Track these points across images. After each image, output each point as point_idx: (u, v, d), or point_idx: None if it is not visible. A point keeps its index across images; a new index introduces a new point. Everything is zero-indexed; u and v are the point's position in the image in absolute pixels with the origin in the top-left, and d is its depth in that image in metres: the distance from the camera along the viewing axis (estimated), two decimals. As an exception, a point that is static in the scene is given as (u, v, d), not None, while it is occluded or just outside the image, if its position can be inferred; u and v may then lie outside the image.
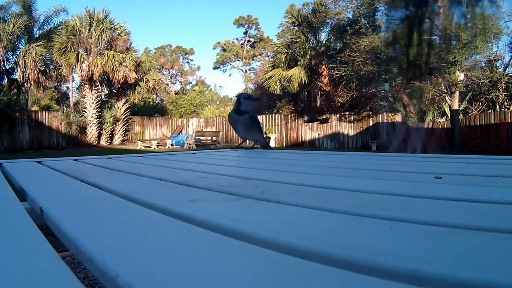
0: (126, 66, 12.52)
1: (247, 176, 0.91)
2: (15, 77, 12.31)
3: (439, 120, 11.72)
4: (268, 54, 25.74)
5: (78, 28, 12.32)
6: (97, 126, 13.01)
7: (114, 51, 12.62)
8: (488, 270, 0.26)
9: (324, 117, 12.82)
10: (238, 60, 30.86)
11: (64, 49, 11.94)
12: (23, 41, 12.40)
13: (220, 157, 1.70)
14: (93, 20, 12.44)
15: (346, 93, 13.17)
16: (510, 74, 10.81)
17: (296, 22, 13.47)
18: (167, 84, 28.66)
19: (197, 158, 1.64)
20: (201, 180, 0.78)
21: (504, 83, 10.60)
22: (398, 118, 11.50)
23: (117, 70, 12.36)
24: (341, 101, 13.52)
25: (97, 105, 13.04)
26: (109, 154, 1.58)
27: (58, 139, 12.33)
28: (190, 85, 31.23)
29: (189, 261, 0.28)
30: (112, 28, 12.89)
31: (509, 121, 9.34)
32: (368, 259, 0.28)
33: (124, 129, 14.17)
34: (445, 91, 10.12)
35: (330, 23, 13.42)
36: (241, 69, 31.25)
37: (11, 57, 12.24)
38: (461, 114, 10.59)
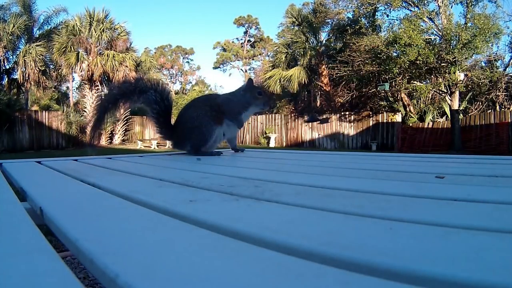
0: (126, 66, 12.51)
1: (247, 176, 0.91)
2: (15, 77, 12.32)
3: (439, 120, 11.72)
4: (268, 54, 25.70)
5: (78, 28, 12.31)
6: (97, 126, 12.98)
7: (114, 51, 12.60)
8: (487, 270, 0.26)
9: (324, 117, 12.82)
10: (238, 60, 30.85)
11: (64, 49, 11.93)
12: (23, 41, 12.40)
13: (220, 157, 1.69)
14: (93, 20, 12.43)
15: (346, 93, 13.16)
16: (510, 74, 10.81)
17: (296, 22, 13.46)
18: (167, 84, 28.63)
19: (197, 158, 1.63)
20: (201, 180, 0.78)
21: (504, 83, 10.60)
22: (398, 118, 11.50)
23: (117, 70, 12.35)
24: (341, 101, 13.51)
25: (97, 105, 13.02)
26: (109, 154, 1.58)
27: (58, 139, 12.32)
28: (190, 85, 31.24)
29: (189, 261, 0.28)
30: (112, 28, 12.88)
31: (509, 121, 9.35)
32: (368, 259, 0.28)
33: (124, 129, 14.16)
34: (445, 91, 10.11)
35: (330, 23, 13.41)
36: (241, 69, 31.24)
37: (11, 57, 12.25)
38: (461, 114, 10.59)
